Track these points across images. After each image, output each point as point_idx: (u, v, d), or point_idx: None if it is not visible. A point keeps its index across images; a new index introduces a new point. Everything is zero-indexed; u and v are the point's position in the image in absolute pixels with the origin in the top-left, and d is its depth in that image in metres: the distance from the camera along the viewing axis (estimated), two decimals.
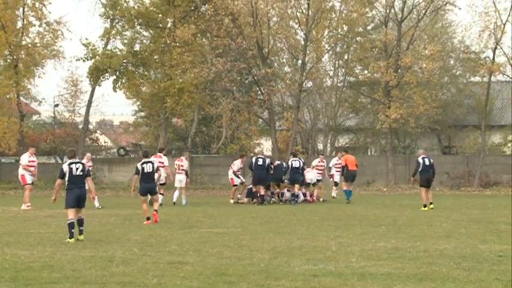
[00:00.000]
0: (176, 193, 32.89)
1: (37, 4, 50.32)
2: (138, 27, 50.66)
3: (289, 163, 33.42)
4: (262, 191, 32.83)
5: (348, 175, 34.23)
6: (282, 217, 25.28)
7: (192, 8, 49.70)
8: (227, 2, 47.42)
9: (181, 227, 21.47)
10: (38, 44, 51.14)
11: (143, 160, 23.36)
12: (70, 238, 17.99)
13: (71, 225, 18.20)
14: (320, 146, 57.34)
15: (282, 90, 53.37)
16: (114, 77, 49.83)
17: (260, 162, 32.84)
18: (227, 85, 48.42)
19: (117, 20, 50.25)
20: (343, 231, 20.11)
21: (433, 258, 14.56)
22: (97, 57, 48.88)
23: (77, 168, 18.46)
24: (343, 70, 56.50)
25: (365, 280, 12.21)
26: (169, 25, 50.15)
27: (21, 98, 52.45)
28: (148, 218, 22.77)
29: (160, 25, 50.51)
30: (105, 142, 67.22)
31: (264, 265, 13.76)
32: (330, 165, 36.42)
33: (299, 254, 15.22)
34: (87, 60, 49.45)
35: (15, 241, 18.07)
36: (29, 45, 50.89)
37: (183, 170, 32.97)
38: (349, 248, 16.21)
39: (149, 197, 23.91)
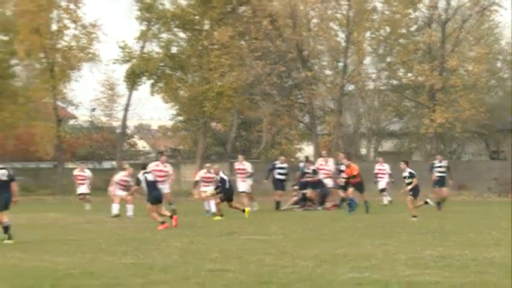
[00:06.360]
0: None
1: (71, 6, 49.80)
2: (175, 29, 49.87)
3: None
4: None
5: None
6: (324, 224, 24.93)
7: (230, 10, 48.81)
8: (265, 3, 46.35)
9: (222, 234, 21.39)
10: (74, 47, 50.59)
11: (143, 171, 24.62)
12: (8, 239, 19.33)
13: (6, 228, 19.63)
14: (363, 151, 56.07)
15: (323, 94, 52.12)
16: (152, 80, 49.29)
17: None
18: (267, 88, 47.58)
19: (153, 23, 49.50)
20: (388, 238, 19.64)
21: (482, 267, 13.95)
22: (134, 60, 48.20)
23: (2, 174, 19.56)
24: (385, 73, 55.04)
25: None
26: (206, 27, 49.47)
27: (58, 102, 52.00)
28: (163, 222, 23.49)
29: (198, 27, 49.76)
30: (143, 147, 66.52)
31: (308, 273, 13.38)
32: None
33: (343, 262, 14.81)
34: (124, 63, 49.07)
35: (54, 248, 18.06)
36: (65, 48, 50.43)
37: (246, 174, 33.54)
38: (395, 255, 15.73)
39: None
